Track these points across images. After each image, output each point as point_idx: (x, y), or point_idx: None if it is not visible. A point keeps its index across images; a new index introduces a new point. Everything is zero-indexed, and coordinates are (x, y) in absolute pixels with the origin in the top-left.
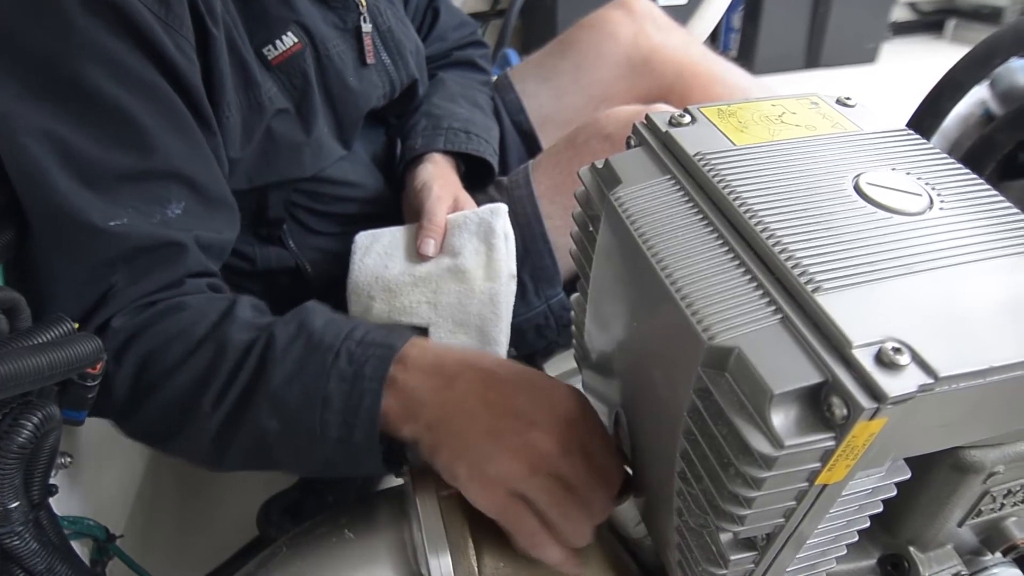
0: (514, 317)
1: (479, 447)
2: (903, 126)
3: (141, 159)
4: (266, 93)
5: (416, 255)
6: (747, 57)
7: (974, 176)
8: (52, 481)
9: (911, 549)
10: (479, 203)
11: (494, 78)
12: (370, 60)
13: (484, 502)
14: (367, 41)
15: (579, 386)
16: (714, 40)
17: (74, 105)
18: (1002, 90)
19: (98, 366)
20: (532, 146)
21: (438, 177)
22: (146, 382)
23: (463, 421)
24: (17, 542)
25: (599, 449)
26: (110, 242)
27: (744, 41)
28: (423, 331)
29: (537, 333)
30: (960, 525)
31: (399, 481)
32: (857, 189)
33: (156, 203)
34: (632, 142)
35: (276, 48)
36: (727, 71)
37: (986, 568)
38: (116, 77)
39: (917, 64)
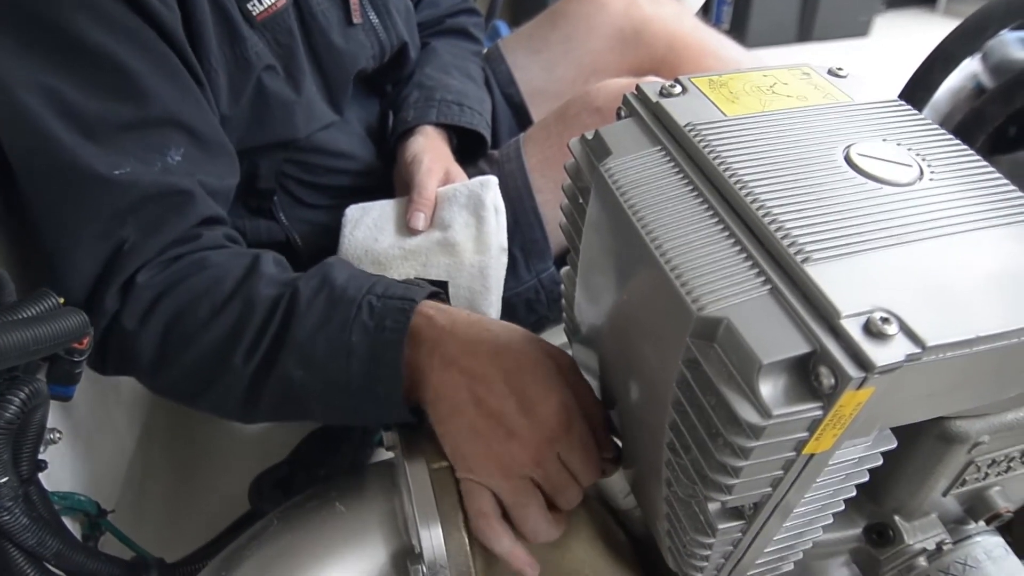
0: (505, 292)
1: (460, 439)
2: (895, 97)
3: (137, 107)
4: (252, 48)
5: (406, 228)
6: (739, 30)
7: (965, 147)
8: (42, 457)
9: (896, 518)
10: (469, 176)
11: (485, 50)
12: (356, 19)
13: (457, 471)
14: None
15: None
16: (706, 12)
17: (64, 56)
18: (994, 63)
19: (84, 341)
20: (523, 119)
21: (429, 150)
22: (175, 340)
23: (450, 410)
24: (7, 517)
25: (578, 459)
26: (117, 192)
27: (737, 14)
28: (443, 285)
29: (528, 308)
30: (945, 494)
31: (390, 455)
32: (848, 160)
33: (155, 151)
34: (622, 113)
35: (261, 3)
36: (719, 43)
37: (969, 536)
38: (102, 26)
39: (909, 37)
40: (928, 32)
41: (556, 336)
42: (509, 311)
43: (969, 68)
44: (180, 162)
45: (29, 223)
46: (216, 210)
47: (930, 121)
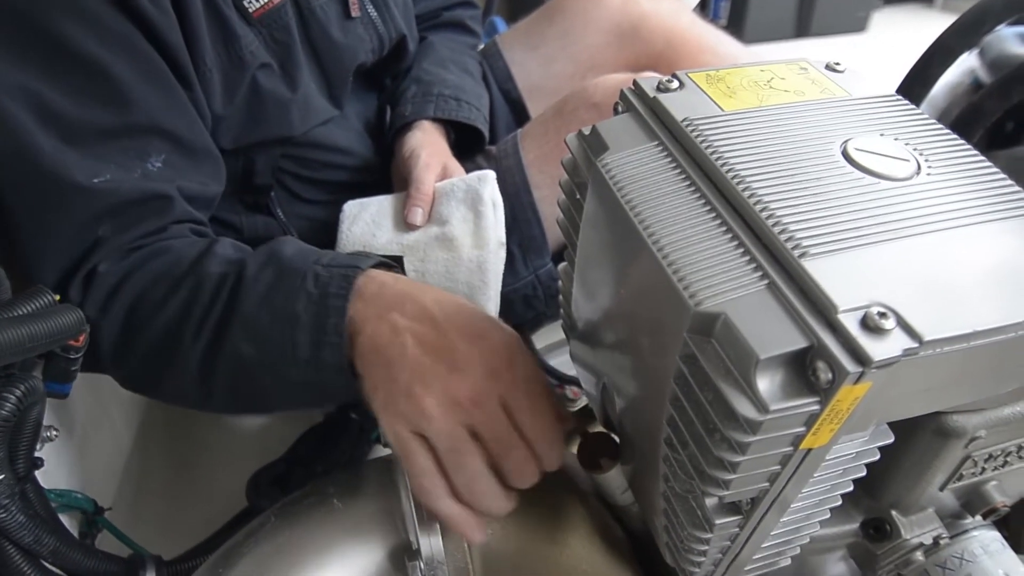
0: (502, 288)
1: (398, 381)
2: (892, 92)
3: (119, 114)
4: (247, 47)
5: (404, 224)
6: (737, 25)
7: (962, 142)
8: (38, 454)
9: (893, 513)
10: (467, 172)
11: (481, 46)
12: (355, 13)
13: (389, 433)
14: None
15: (566, 357)
16: (704, 8)
17: (49, 61)
18: (991, 58)
19: (81, 338)
20: (520, 115)
21: (427, 145)
22: (134, 324)
23: (391, 353)
24: (3, 515)
25: (524, 407)
26: (95, 199)
27: (734, 9)
28: (398, 260)
29: (525, 304)
30: (942, 489)
31: (388, 451)
32: (845, 154)
33: (136, 158)
34: (619, 108)
35: (257, 0)
36: (717, 39)
37: (966, 531)
38: (90, 31)
39: (907, 33)
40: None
41: (554, 333)
42: (507, 307)
43: (967, 63)
44: (160, 169)
45: (6, 216)
46: (192, 214)
47: (927, 116)
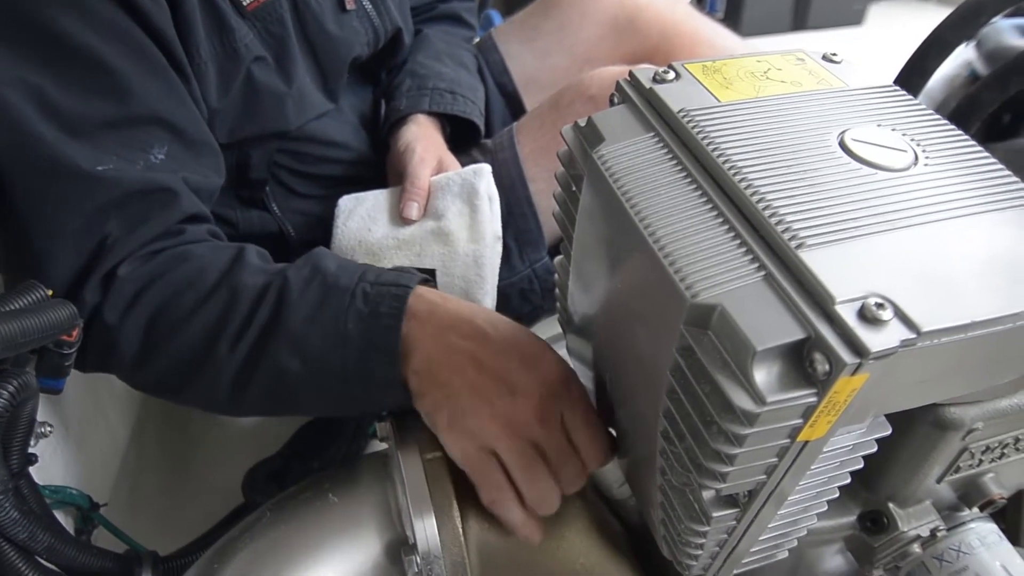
0: (499, 282)
1: (461, 400)
2: (890, 83)
3: (119, 105)
4: (241, 39)
5: (400, 218)
6: (734, 18)
7: (960, 132)
8: (32, 450)
9: (890, 505)
10: (462, 165)
11: (477, 39)
12: (350, 6)
13: (456, 450)
14: None
15: (563, 351)
16: (700, 1)
17: (47, 53)
18: (988, 50)
19: (74, 333)
20: (516, 108)
21: (422, 139)
22: (158, 333)
23: (449, 373)
24: None
25: (580, 424)
26: (99, 188)
27: (731, 2)
28: (431, 272)
29: (522, 298)
30: (939, 481)
31: (384, 446)
32: (842, 145)
33: (139, 149)
34: (615, 100)
35: None
36: (713, 32)
37: (963, 523)
38: (86, 23)
39: (904, 26)
40: (922, 20)
41: (551, 327)
42: (503, 301)
43: (963, 56)
44: (164, 160)
45: (12, 216)
46: (200, 208)
47: (925, 106)
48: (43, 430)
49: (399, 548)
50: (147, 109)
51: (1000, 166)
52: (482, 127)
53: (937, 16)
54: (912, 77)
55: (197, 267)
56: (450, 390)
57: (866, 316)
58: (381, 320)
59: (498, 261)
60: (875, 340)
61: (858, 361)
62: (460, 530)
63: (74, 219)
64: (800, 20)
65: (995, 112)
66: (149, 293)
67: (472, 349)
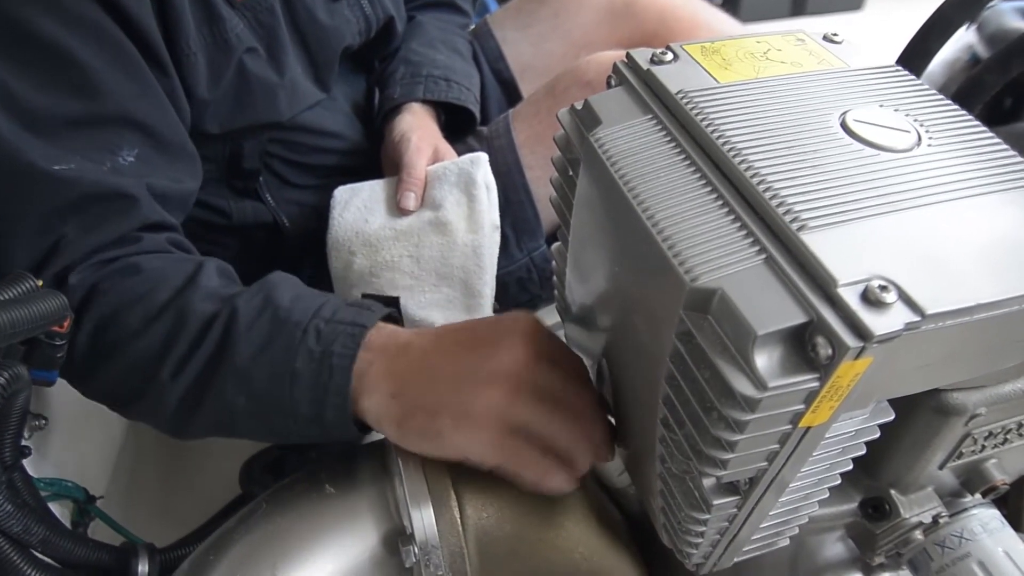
0: (496, 271)
1: (453, 394)
2: (891, 63)
3: (88, 103)
4: (232, 29)
5: (397, 209)
6: (732, 4)
7: (964, 113)
8: (26, 443)
9: (892, 492)
10: (458, 153)
11: (473, 26)
12: None
13: (481, 447)
14: None
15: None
16: None
17: (13, 46)
18: (990, 32)
19: (65, 324)
20: (512, 95)
21: (417, 128)
22: (105, 345)
23: (426, 379)
24: None
25: (568, 358)
26: (57, 188)
27: None
28: (394, 302)
29: (519, 286)
30: (941, 467)
31: (381, 436)
32: (844, 126)
33: (106, 150)
34: (612, 82)
35: None
36: (712, 17)
37: (966, 509)
38: (53, 15)
39: (903, 11)
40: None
41: (549, 315)
42: (501, 291)
43: (964, 39)
44: (132, 163)
45: None
46: (163, 216)
47: (928, 86)
48: (38, 422)
49: (396, 539)
50: (118, 109)
51: (1005, 146)
52: (477, 114)
53: (936, 1)
54: (914, 58)
55: (149, 281)
56: (436, 392)
57: (869, 299)
58: (333, 360)
59: (497, 251)
60: (879, 323)
61: (861, 345)
62: (458, 520)
63: (28, 219)
64: (799, 5)
65: (996, 96)
66: (97, 303)
67: (437, 344)
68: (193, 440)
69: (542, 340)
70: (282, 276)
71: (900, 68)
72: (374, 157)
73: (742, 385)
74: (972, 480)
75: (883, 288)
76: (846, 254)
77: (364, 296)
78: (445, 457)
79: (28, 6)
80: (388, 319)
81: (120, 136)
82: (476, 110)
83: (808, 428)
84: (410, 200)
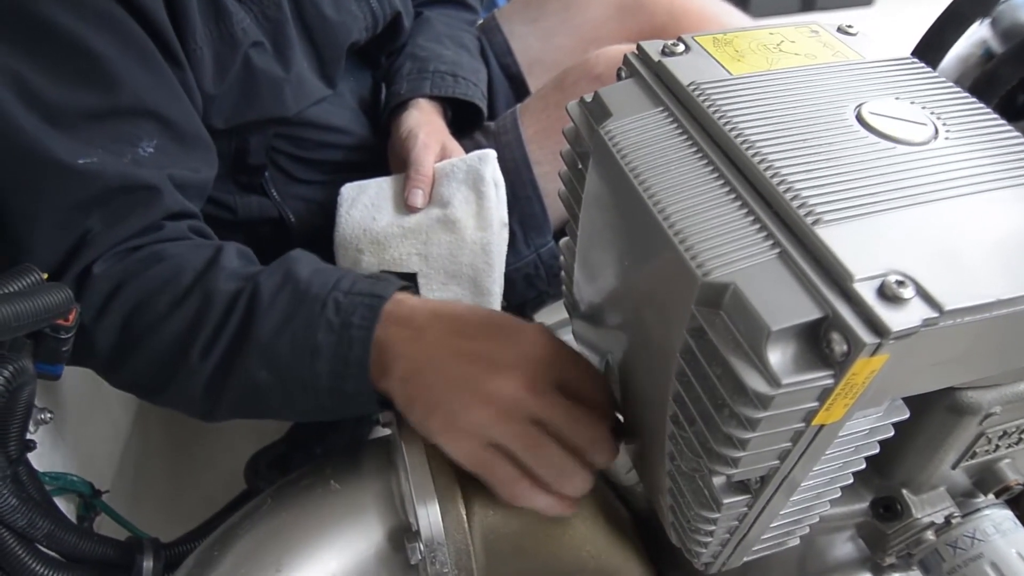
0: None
1: (449, 399)
2: (907, 55)
3: (106, 96)
4: (238, 24)
5: (404, 206)
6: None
7: (981, 105)
8: (31, 437)
9: (904, 492)
10: (465, 149)
11: (480, 20)
12: None
13: (458, 455)
14: None
15: (570, 336)
16: None
17: (31, 41)
18: (1004, 27)
19: (70, 317)
20: (520, 90)
21: (424, 124)
22: (133, 334)
23: (432, 374)
24: None
25: (581, 383)
26: (81, 182)
27: None
28: (411, 278)
29: (527, 283)
30: (954, 467)
31: (387, 432)
32: (859, 119)
33: (126, 142)
34: (623, 74)
35: None
36: (721, 11)
37: (978, 510)
38: (73, 10)
39: (914, 8)
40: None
41: (556, 312)
42: (509, 287)
43: (978, 34)
44: (152, 154)
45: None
46: (184, 205)
47: (944, 79)
48: (43, 416)
49: (402, 535)
50: (136, 101)
51: (1023, 139)
52: (484, 109)
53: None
54: (929, 51)
55: (173, 267)
56: (436, 391)
57: (886, 294)
58: (352, 332)
59: (505, 248)
60: (896, 319)
61: (878, 341)
62: (464, 516)
63: (54, 213)
64: (809, 1)
65: (1011, 91)
66: (124, 292)
67: (450, 341)
68: (222, 422)
69: (551, 366)
70: (301, 252)
71: (916, 60)
72: (380, 153)
73: (755, 382)
74: (985, 480)
75: (900, 283)
76: (862, 248)
77: None
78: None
79: (47, 2)
80: (404, 290)
81: (139, 127)
82: (483, 105)
83: (822, 426)
84: (418, 197)
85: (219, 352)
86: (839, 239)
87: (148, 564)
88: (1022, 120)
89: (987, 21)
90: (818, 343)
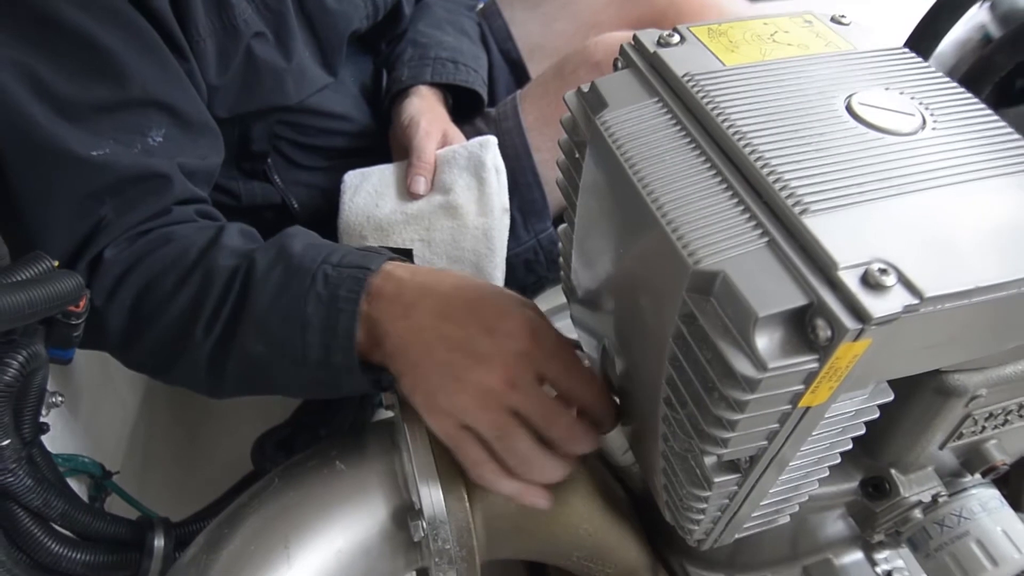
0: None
1: (432, 379)
2: (899, 45)
3: (116, 88)
4: (240, 15)
5: (407, 193)
6: None
7: (969, 96)
8: (44, 419)
9: (892, 471)
10: (466, 135)
11: (481, 6)
12: None
13: (436, 429)
14: None
15: (567, 321)
16: None
17: (40, 36)
18: (1003, 12)
19: (81, 303)
20: (520, 75)
21: (426, 111)
22: (142, 313)
23: (419, 352)
24: (11, 479)
25: (562, 375)
26: (94, 172)
27: None
28: (407, 253)
29: (527, 268)
30: (941, 448)
31: (390, 414)
32: (849, 109)
33: (136, 132)
34: (619, 64)
35: None
36: None
37: (965, 489)
38: (80, 4)
39: None
40: None
41: (555, 296)
42: (509, 271)
43: (976, 18)
44: (161, 143)
45: (8, 193)
46: (193, 191)
47: (934, 69)
48: (54, 400)
49: (405, 514)
50: (144, 92)
51: (1009, 130)
52: (485, 96)
53: None
54: (923, 39)
55: (179, 248)
56: (421, 370)
57: (869, 282)
58: (339, 304)
59: (506, 233)
60: (877, 306)
61: (860, 327)
62: (465, 496)
63: (68, 203)
64: None
65: (1007, 76)
66: (133, 274)
67: (436, 325)
68: (229, 398)
69: (532, 358)
70: (297, 228)
71: (907, 51)
72: (381, 138)
73: (743, 366)
74: (972, 460)
75: (883, 271)
76: (847, 237)
77: None
78: None
79: None
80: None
81: (147, 117)
82: (483, 91)
83: (808, 408)
84: (420, 184)
85: (219, 328)
86: (825, 228)
87: (159, 543)
88: (1020, 104)
89: (986, 4)
90: (803, 329)
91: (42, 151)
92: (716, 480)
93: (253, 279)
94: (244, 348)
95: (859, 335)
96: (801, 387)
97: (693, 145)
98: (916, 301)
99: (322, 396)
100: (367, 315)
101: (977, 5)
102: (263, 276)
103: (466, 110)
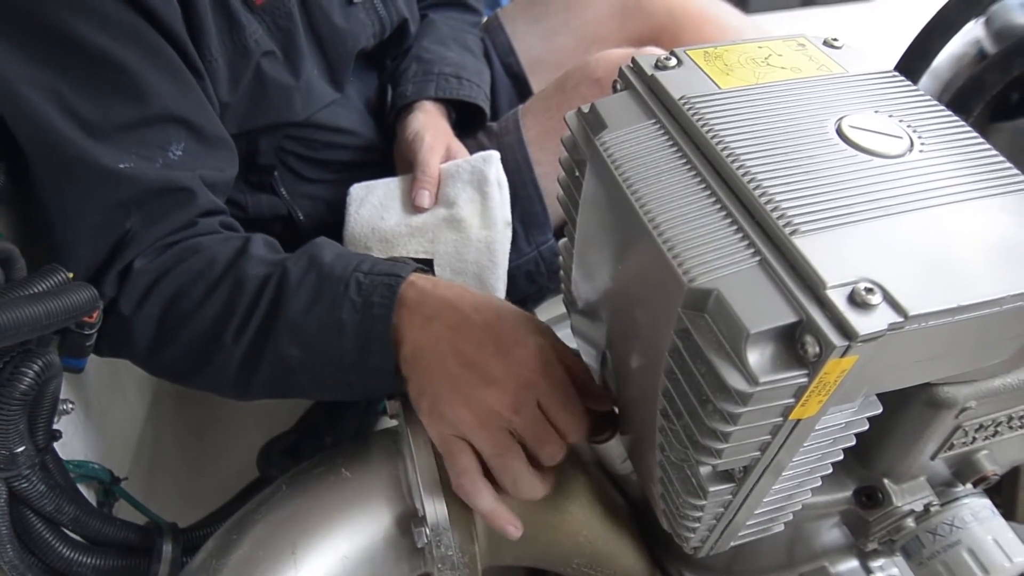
0: None
1: (439, 389)
2: (890, 68)
3: (137, 107)
4: (251, 35)
5: (412, 206)
6: None
7: (956, 119)
8: (56, 427)
9: (885, 481)
10: (468, 149)
11: (484, 19)
12: None
13: (433, 434)
14: None
15: (568, 331)
16: None
17: (64, 59)
18: (997, 28)
19: (95, 314)
20: (523, 89)
21: (430, 126)
22: (170, 323)
23: (430, 362)
24: (25, 484)
25: (558, 410)
26: (121, 184)
27: None
28: (428, 263)
29: (528, 279)
30: (933, 458)
31: (394, 422)
32: (839, 132)
33: (157, 147)
34: (618, 86)
35: None
36: (720, 10)
37: (957, 499)
38: (98, 25)
39: (916, 1)
40: None
41: (555, 307)
42: (510, 283)
43: (972, 33)
44: (181, 157)
45: (35, 204)
46: (215, 203)
47: (923, 92)
48: (65, 407)
49: (409, 521)
50: (164, 109)
51: (994, 152)
52: (487, 111)
53: None
54: (915, 59)
55: (206, 259)
56: (431, 378)
57: (856, 300)
58: (374, 310)
59: (508, 247)
60: (863, 324)
61: (847, 344)
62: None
63: (95, 214)
64: None
65: (1003, 90)
66: (162, 284)
67: (452, 338)
68: (254, 400)
69: (537, 388)
70: (325, 240)
71: (896, 74)
72: (386, 152)
73: (735, 380)
74: (964, 470)
75: (869, 290)
76: (835, 257)
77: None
78: None
79: (72, 16)
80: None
81: (167, 133)
82: (486, 106)
83: (798, 420)
84: (425, 198)
85: (251, 333)
86: (814, 248)
87: (168, 548)
88: (1016, 119)
89: (981, 20)
90: (793, 345)
91: (73, 166)
92: (711, 489)
93: (286, 286)
94: (278, 352)
95: (846, 351)
96: (791, 401)
97: (689, 166)
98: (900, 319)
99: (345, 398)
100: (396, 320)
101: (972, 20)
102: (296, 283)
103: (469, 124)
